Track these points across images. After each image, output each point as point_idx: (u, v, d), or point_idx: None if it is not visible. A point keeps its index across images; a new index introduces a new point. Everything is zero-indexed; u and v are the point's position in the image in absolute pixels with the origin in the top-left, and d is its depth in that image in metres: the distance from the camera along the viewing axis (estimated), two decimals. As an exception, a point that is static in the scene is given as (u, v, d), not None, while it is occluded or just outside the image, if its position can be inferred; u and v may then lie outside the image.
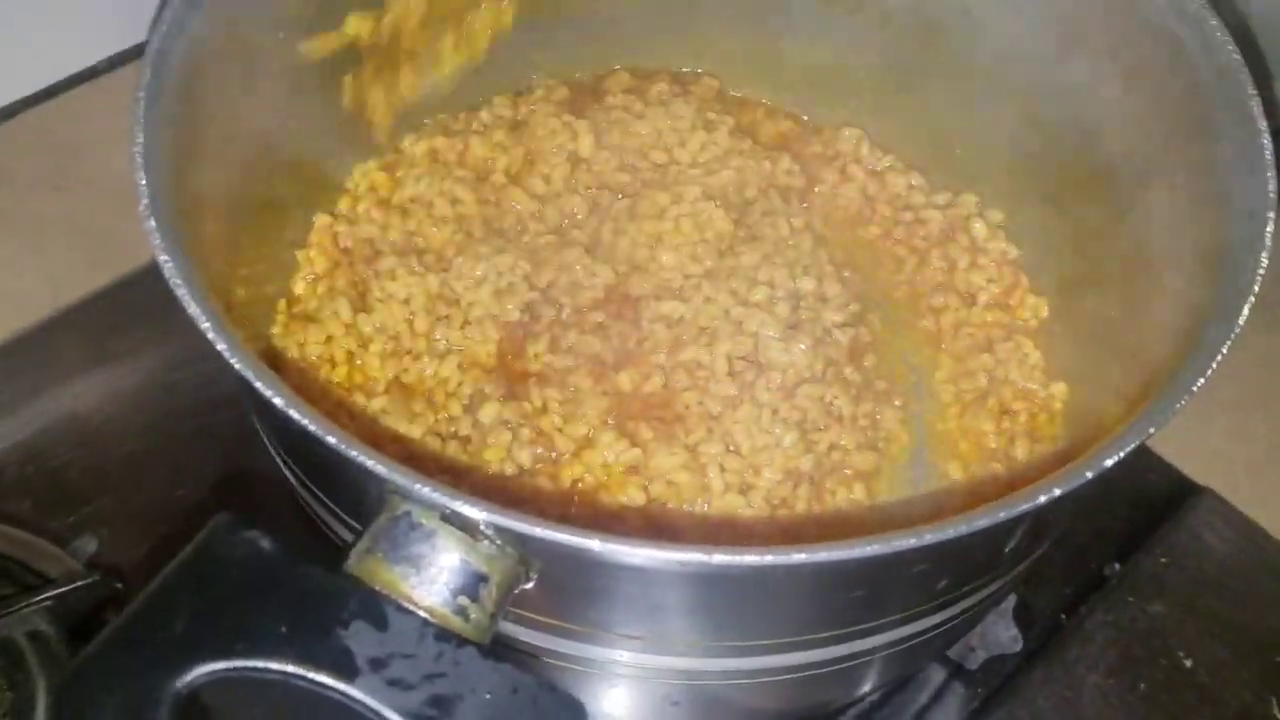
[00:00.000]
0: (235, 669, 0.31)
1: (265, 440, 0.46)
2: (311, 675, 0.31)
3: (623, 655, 0.42)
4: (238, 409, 0.46)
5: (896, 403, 0.57)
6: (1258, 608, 0.67)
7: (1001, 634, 0.59)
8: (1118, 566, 0.68)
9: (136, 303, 0.73)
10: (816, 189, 0.63)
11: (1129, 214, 0.52)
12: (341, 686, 0.31)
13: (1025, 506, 0.34)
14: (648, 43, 0.66)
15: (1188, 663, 0.65)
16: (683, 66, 0.67)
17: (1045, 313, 0.59)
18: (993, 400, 0.56)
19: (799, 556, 0.33)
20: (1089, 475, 0.35)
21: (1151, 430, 0.36)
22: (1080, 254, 0.56)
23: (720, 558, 0.34)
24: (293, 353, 0.55)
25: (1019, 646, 0.60)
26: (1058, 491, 0.34)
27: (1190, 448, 0.73)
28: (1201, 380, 0.37)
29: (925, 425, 0.57)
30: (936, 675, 0.63)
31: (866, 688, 0.51)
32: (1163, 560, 0.68)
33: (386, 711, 0.31)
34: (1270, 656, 0.65)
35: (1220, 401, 0.76)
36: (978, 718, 0.62)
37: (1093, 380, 0.53)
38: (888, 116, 0.64)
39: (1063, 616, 0.66)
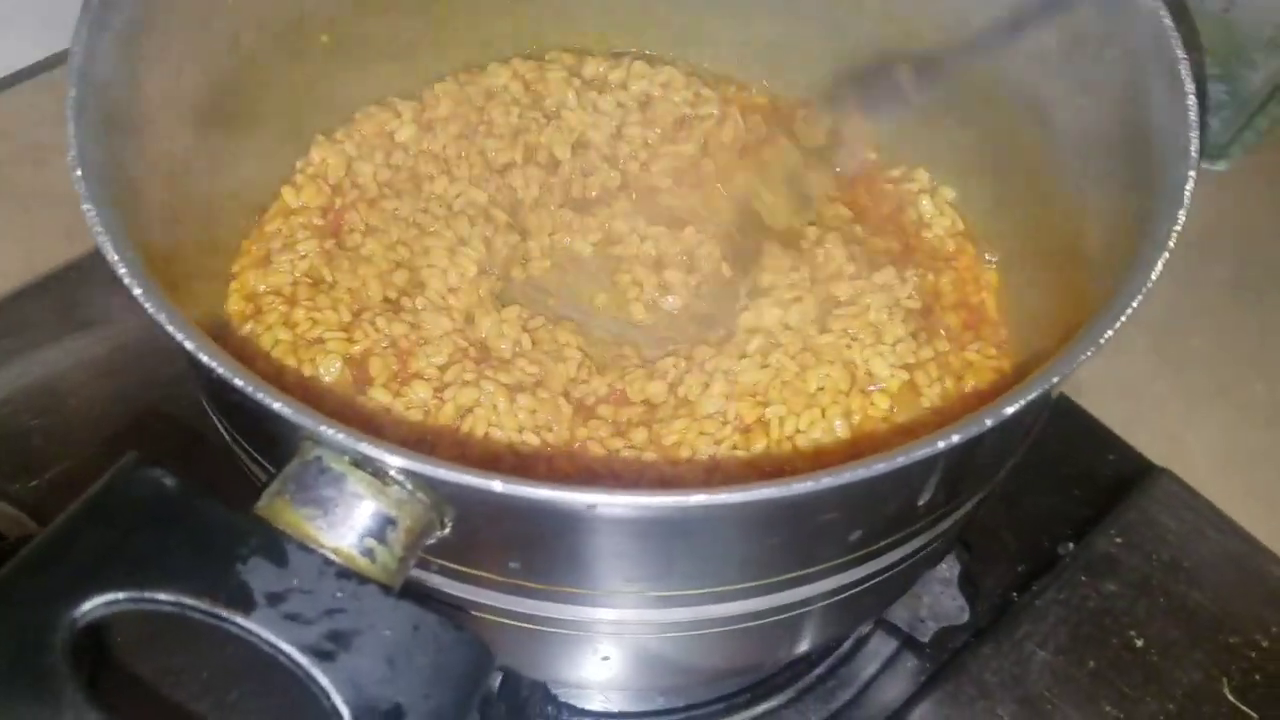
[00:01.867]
0: (131, 599, 0.31)
1: (202, 400, 0.47)
2: (207, 607, 0.32)
3: (548, 607, 0.42)
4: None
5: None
6: (1212, 589, 0.67)
7: (948, 604, 0.59)
8: (1071, 546, 0.68)
9: (109, 273, 0.74)
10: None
11: (1070, 183, 0.52)
12: (238, 619, 0.32)
13: (924, 452, 0.34)
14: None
15: (1139, 642, 0.65)
16: (648, 48, 0.68)
17: (994, 282, 0.59)
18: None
19: (698, 498, 0.34)
20: (987, 423, 0.35)
21: (1054, 379, 0.36)
22: (1025, 224, 0.56)
23: (623, 498, 0.34)
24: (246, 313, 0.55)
25: (965, 617, 0.60)
26: (956, 438, 0.34)
27: (1148, 429, 0.73)
28: (1109, 333, 0.37)
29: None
30: (886, 647, 0.64)
31: (801, 647, 0.51)
32: (1117, 540, 0.68)
33: (283, 644, 0.32)
34: (1224, 637, 0.65)
35: (1179, 384, 0.77)
36: (926, 690, 0.62)
37: (1036, 349, 0.53)
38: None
39: (1014, 594, 0.66)
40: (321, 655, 0.32)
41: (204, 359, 0.35)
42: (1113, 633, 0.65)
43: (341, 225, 0.58)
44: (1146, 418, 0.74)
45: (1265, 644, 0.65)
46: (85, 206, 0.38)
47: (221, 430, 0.45)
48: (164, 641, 0.52)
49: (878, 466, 0.34)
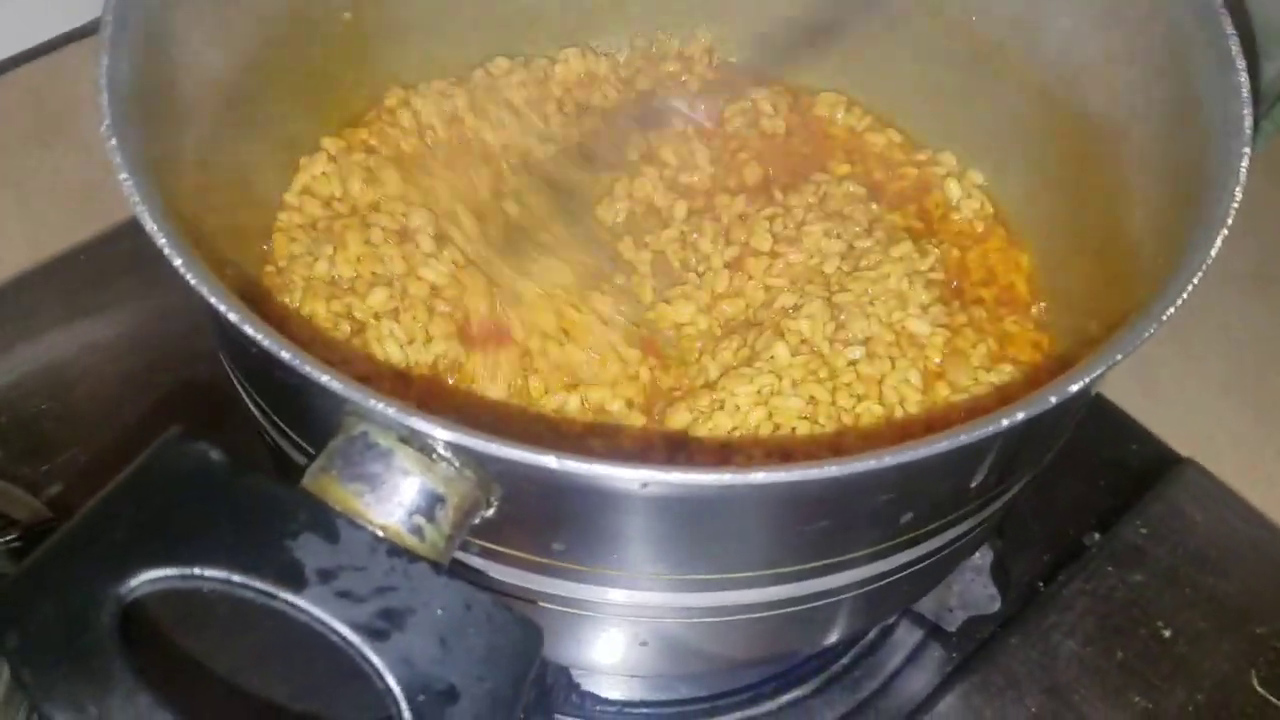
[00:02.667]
0: (178, 576, 0.30)
1: (231, 376, 0.46)
2: (257, 584, 0.31)
3: (589, 590, 0.41)
4: (216, 363, 0.46)
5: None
6: (1238, 579, 0.66)
7: (979, 593, 0.58)
8: (1098, 536, 0.67)
9: (117, 257, 0.73)
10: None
11: (1110, 162, 0.51)
12: (288, 596, 0.31)
13: (989, 429, 0.33)
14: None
15: (1166, 633, 0.64)
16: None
17: (1026, 265, 0.58)
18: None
19: (758, 476, 0.33)
20: (1052, 400, 0.34)
21: (1119, 357, 0.35)
22: (1060, 207, 0.55)
23: (678, 476, 0.33)
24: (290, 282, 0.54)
25: (997, 606, 0.59)
26: (1021, 415, 0.34)
27: (1174, 419, 0.72)
28: (1171, 310, 0.36)
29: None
30: (912, 636, 0.63)
31: (834, 635, 0.50)
32: (1143, 531, 0.67)
33: (335, 622, 0.31)
34: (1250, 628, 0.65)
35: (1205, 374, 0.76)
36: (952, 680, 0.61)
37: (1077, 331, 0.53)
38: (867, 75, 0.63)
39: (1041, 584, 0.66)
40: (374, 634, 0.31)
41: (249, 330, 0.34)
42: (1140, 623, 0.64)
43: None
44: (1170, 409, 0.74)
45: (1292, 635, 0.64)
46: (122, 176, 0.37)
47: (254, 408, 0.43)
48: (210, 619, 0.50)
49: (941, 444, 0.33)
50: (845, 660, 0.63)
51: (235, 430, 0.44)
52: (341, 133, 0.61)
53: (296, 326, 0.52)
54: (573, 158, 0.61)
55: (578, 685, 0.61)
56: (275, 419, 0.42)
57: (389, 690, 0.31)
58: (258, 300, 0.54)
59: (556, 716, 0.59)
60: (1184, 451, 0.71)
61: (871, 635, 0.64)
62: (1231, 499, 0.69)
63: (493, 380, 0.52)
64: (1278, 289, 0.80)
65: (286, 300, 0.53)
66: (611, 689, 0.61)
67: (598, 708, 0.61)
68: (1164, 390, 0.75)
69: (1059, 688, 0.62)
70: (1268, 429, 0.74)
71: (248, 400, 0.44)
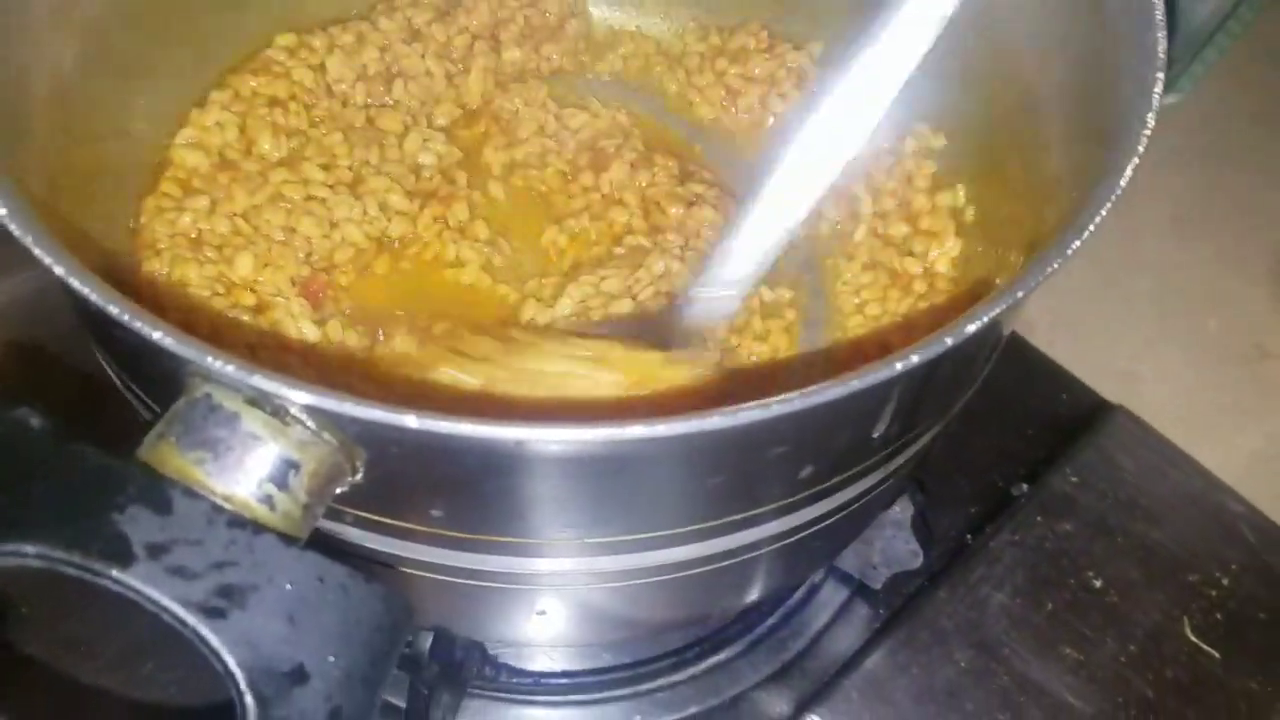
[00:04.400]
0: (-11, 554, 0.27)
1: (94, 348, 0.42)
2: (78, 560, 0.28)
3: (476, 559, 0.39)
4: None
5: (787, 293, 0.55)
6: (1170, 527, 0.65)
7: (901, 548, 0.57)
8: (1026, 487, 0.66)
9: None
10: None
11: (1028, 97, 0.49)
12: (113, 573, 0.28)
13: (883, 374, 0.31)
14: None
15: (1097, 583, 0.63)
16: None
17: (961, 201, 0.56)
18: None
19: (636, 430, 0.30)
20: (948, 341, 0.32)
21: (1019, 294, 0.33)
22: (987, 142, 0.53)
23: (553, 432, 0.31)
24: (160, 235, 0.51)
25: (919, 561, 0.58)
26: (915, 358, 0.31)
27: (1103, 367, 0.71)
28: (1077, 243, 0.34)
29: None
30: (838, 594, 0.62)
31: (751, 594, 0.48)
32: (1073, 480, 0.66)
33: (166, 601, 0.28)
34: (1182, 576, 0.63)
35: (1134, 321, 0.75)
36: (879, 638, 0.60)
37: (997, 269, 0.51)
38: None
39: (968, 537, 0.64)
40: (211, 612, 0.28)
41: (76, 285, 0.31)
42: (1070, 574, 0.63)
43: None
44: (1098, 357, 0.72)
45: (1225, 582, 0.63)
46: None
47: (112, 374, 0.40)
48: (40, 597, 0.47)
49: (833, 390, 0.31)
50: (771, 621, 0.61)
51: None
52: (228, 80, 0.57)
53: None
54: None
55: (493, 658, 0.59)
56: (131, 386, 0.39)
57: (229, 672, 0.28)
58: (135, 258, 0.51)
59: (469, 690, 0.57)
60: (1113, 398, 0.69)
61: (798, 595, 0.62)
62: (1163, 445, 0.67)
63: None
64: (1203, 234, 0.79)
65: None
66: (528, 660, 0.59)
67: (514, 680, 0.59)
68: (1093, 338, 0.73)
69: (988, 641, 0.60)
70: (1197, 375, 0.73)
71: (109, 370, 0.41)
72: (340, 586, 0.30)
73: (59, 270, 0.32)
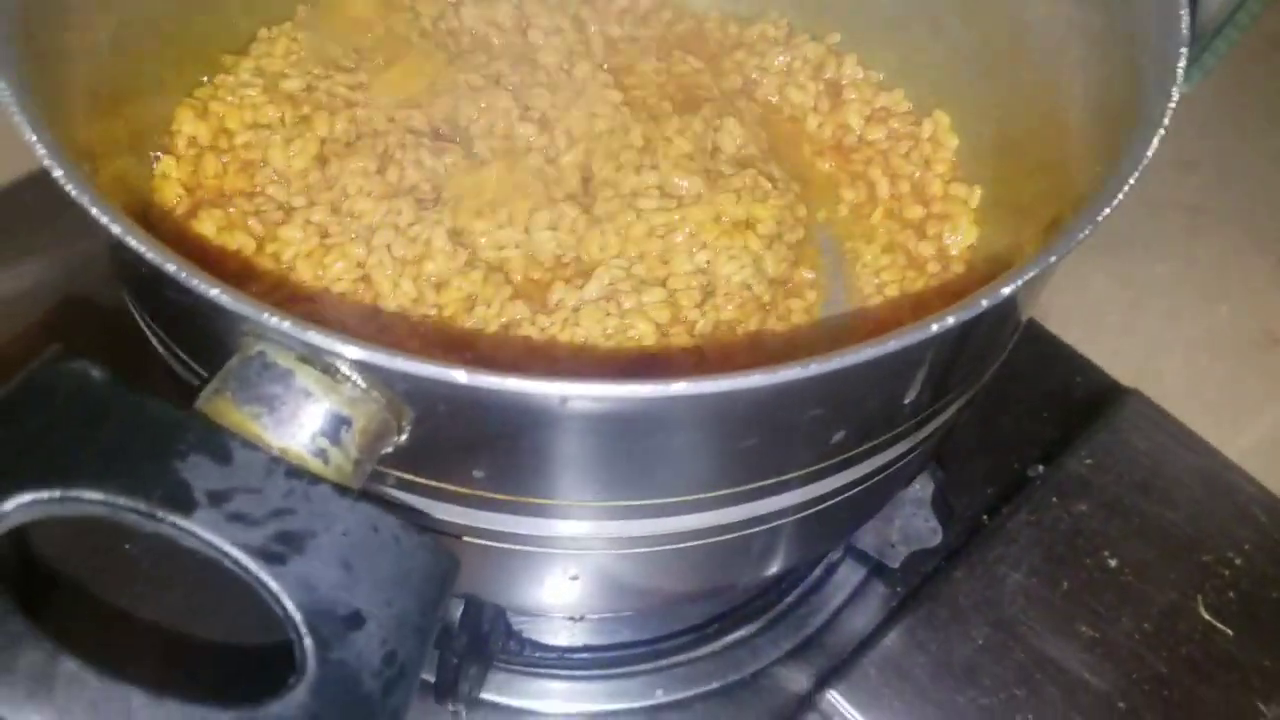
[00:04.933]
0: (55, 498, 0.28)
1: (133, 312, 0.43)
2: (141, 506, 0.29)
3: (514, 520, 0.40)
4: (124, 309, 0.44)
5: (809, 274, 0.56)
6: (1184, 508, 0.66)
7: (921, 526, 0.57)
8: (1041, 468, 0.67)
9: (26, 207, 0.70)
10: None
11: (1048, 76, 0.50)
12: (175, 519, 0.29)
13: (919, 335, 0.32)
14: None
15: (1112, 562, 0.64)
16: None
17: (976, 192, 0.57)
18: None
19: (680, 386, 0.31)
20: (984, 304, 0.33)
21: (1052, 259, 0.34)
22: (1000, 125, 0.54)
23: (598, 389, 0.32)
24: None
25: (938, 539, 0.58)
26: (951, 320, 0.32)
27: (1118, 350, 0.72)
28: (1106, 210, 0.35)
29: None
30: (856, 574, 0.62)
31: (774, 565, 0.49)
32: (1088, 461, 0.67)
33: (227, 546, 0.29)
34: (1196, 556, 0.64)
35: (1148, 305, 0.76)
36: (897, 616, 0.60)
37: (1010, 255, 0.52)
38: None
39: (985, 517, 0.65)
40: (270, 558, 0.29)
41: (132, 243, 0.32)
42: (1085, 554, 0.63)
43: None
44: (1112, 342, 0.73)
45: (1238, 561, 0.64)
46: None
47: (149, 333, 0.41)
48: (94, 548, 0.48)
49: (870, 351, 0.32)
50: (790, 599, 0.62)
51: (146, 375, 0.42)
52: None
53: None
54: None
55: (517, 633, 0.60)
56: (175, 349, 0.40)
57: (288, 616, 0.29)
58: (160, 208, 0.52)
59: (495, 664, 0.58)
60: (1128, 382, 0.70)
61: (815, 573, 0.63)
62: (1175, 428, 0.68)
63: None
64: (1215, 221, 0.79)
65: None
66: (551, 635, 0.60)
67: (537, 654, 0.60)
68: (1107, 322, 0.74)
69: (1005, 620, 0.61)
70: (1210, 358, 0.74)
71: (149, 333, 0.42)
72: (393, 536, 0.31)
73: (116, 230, 0.33)
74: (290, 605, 0.29)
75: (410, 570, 0.31)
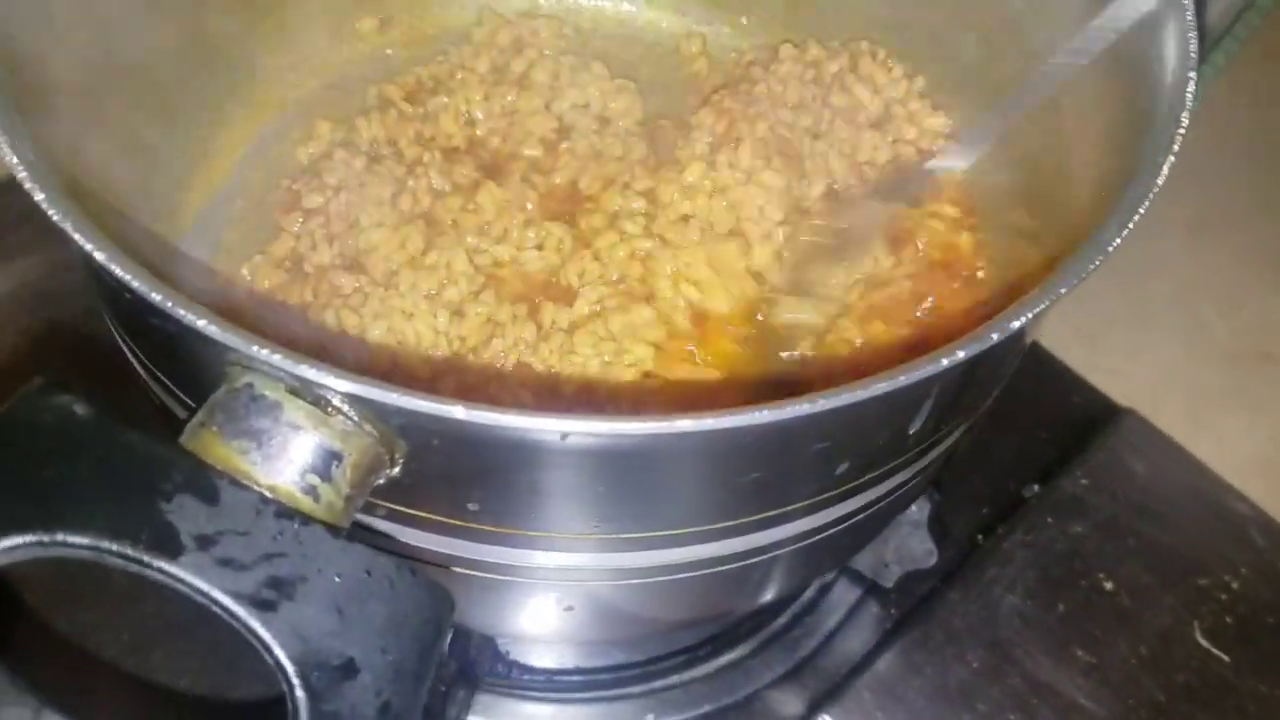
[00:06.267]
0: (39, 542, 0.27)
1: (117, 336, 0.42)
2: (127, 551, 0.27)
3: (508, 552, 0.39)
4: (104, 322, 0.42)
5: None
6: (1181, 530, 0.65)
7: (916, 547, 0.57)
8: (1037, 488, 0.66)
9: (10, 208, 0.69)
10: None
11: (1050, 103, 0.49)
12: (162, 564, 0.28)
13: (929, 370, 0.31)
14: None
15: (1108, 585, 0.63)
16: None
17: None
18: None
19: (684, 424, 0.30)
20: (994, 337, 0.32)
21: (1063, 290, 0.33)
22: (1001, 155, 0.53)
23: (601, 425, 0.31)
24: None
25: (934, 560, 0.58)
26: (961, 354, 0.31)
27: (1114, 370, 0.71)
28: (1117, 240, 0.34)
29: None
30: (850, 595, 0.62)
31: (771, 593, 0.48)
32: (1084, 482, 0.66)
33: (215, 593, 0.28)
34: (1194, 579, 0.64)
35: (1145, 325, 0.76)
36: (891, 638, 0.60)
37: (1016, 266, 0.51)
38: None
39: (980, 537, 0.64)
40: (261, 605, 0.28)
41: (117, 271, 0.31)
42: (1081, 575, 0.63)
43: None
44: (1108, 360, 0.72)
45: (1235, 585, 0.63)
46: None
47: (134, 361, 0.40)
48: (80, 590, 0.47)
49: (880, 386, 0.31)
50: (783, 620, 0.61)
51: (124, 393, 0.41)
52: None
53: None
54: None
55: (504, 654, 0.58)
56: (160, 376, 0.38)
57: (279, 665, 0.28)
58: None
59: (482, 687, 0.57)
60: (1124, 402, 0.69)
61: (809, 594, 0.62)
62: (1172, 449, 0.67)
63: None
64: (1215, 238, 0.79)
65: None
66: (540, 657, 0.59)
67: (526, 677, 0.59)
68: (1104, 342, 0.73)
69: (1000, 642, 0.60)
70: (1207, 379, 0.73)
71: (131, 358, 0.41)
72: (387, 579, 0.30)
73: (99, 257, 0.31)
74: (281, 655, 0.28)
75: (405, 615, 0.30)
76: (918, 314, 0.51)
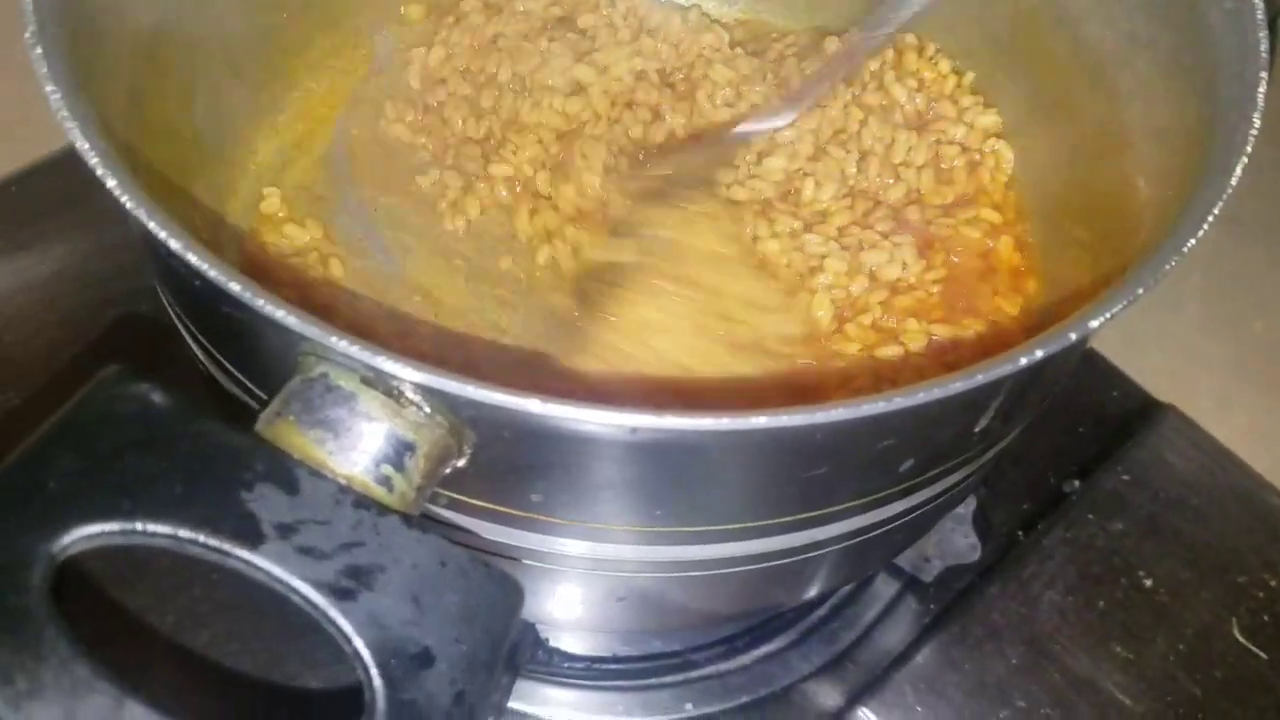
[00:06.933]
0: (120, 532, 0.27)
1: (173, 316, 0.42)
2: (208, 540, 0.28)
3: (568, 544, 0.39)
4: (157, 302, 0.42)
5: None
6: (1219, 527, 0.65)
7: (959, 542, 0.57)
8: (1078, 484, 0.66)
9: (49, 192, 0.69)
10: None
11: (1106, 98, 0.49)
12: (243, 554, 0.28)
13: (1006, 368, 0.31)
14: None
15: (1147, 582, 0.63)
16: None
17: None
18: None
19: (759, 420, 0.30)
20: (1072, 337, 0.32)
21: (1140, 291, 0.33)
22: (1062, 137, 0.53)
23: (671, 420, 0.31)
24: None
25: (977, 555, 0.58)
26: (1040, 353, 0.31)
27: (1154, 366, 0.71)
28: (1193, 241, 0.34)
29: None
30: (888, 588, 0.61)
31: (814, 590, 0.48)
32: (1124, 478, 0.66)
33: (296, 582, 0.28)
34: (1232, 576, 0.63)
35: (1185, 320, 0.75)
36: (931, 633, 0.60)
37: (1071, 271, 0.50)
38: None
39: (1020, 533, 0.64)
40: (340, 593, 0.28)
41: (192, 259, 0.31)
42: (1121, 572, 0.63)
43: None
44: (1150, 356, 0.72)
45: (1273, 583, 0.63)
46: (49, 89, 0.34)
47: (198, 350, 0.40)
48: (154, 579, 0.47)
49: (956, 384, 0.31)
50: (822, 612, 0.61)
51: (180, 374, 0.41)
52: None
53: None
54: None
55: (544, 641, 0.59)
56: (223, 362, 0.38)
57: (357, 655, 0.28)
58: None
59: (522, 674, 0.57)
60: (1164, 398, 0.69)
61: (848, 587, 0.62)
62: (1212, 446, 0.67)
63: None
64: (1253, 235, 0.78)
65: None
66: (580, 645, 0.59)
67: (565, 664, 0.59)
68: (1144, 337, 0.73)
69: (1040, 638, 0.60)
70: (1248, 375, 0.73)
71: (191, 342, 0.41)
72: (460, 570, 0.30)
73: (175, 245, 0.31)
74: (360, 643, 0.28)
75: (478, 605, 0.30)
76: (951, 318, 0.51)
